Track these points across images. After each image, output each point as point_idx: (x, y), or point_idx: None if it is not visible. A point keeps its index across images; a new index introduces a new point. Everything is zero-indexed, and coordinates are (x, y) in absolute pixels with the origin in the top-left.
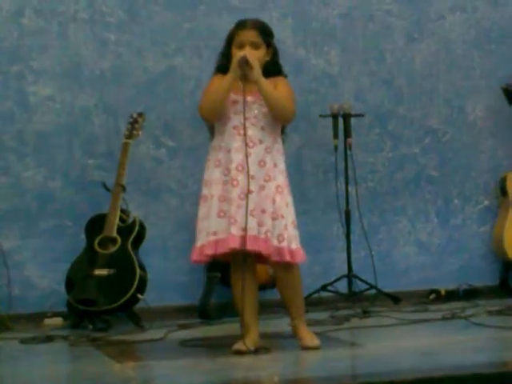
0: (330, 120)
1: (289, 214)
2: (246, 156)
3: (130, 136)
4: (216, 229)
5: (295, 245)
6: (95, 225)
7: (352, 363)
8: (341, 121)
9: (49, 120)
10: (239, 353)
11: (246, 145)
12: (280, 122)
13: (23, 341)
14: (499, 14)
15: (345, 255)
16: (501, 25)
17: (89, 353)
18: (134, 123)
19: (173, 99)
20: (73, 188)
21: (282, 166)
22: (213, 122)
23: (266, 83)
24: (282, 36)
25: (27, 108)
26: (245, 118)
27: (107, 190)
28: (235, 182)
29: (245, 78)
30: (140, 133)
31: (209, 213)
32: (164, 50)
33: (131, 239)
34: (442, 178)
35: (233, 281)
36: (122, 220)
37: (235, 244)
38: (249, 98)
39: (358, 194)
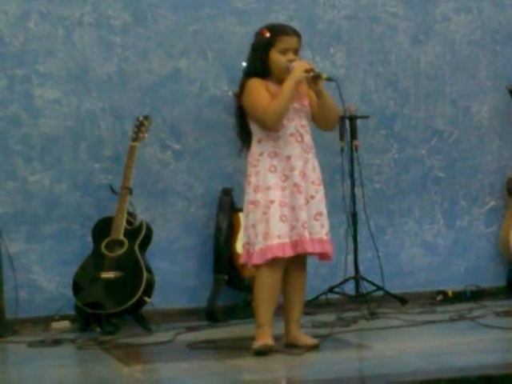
0: None
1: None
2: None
3: (136, 139)
4: (279, 232)
5: None
6: (102, 228)
7: (359, 365)
8: (347, 122)
9: (55, 123)
10: (265, 347)
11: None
12: (328, 129)
13: (31, 344)
14: (505, 15)
15: (352, 257)
16: (506, 26)
17: (97, 356)
18: (140, 126)
19: (178, 102)
20: (79, 191)
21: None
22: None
23: (327, 92)
24: None
25: (33, 111)
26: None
27: (114, 192)
28: (301, 188)
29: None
30: (146, 136)
31: (267, 217)
32: (169, 53)
33: (138, 242)
34: (449, 179)
35: (263, 278)
36: (128, 223)
37: (311, 248)
38: (296, 105)
39: (365, 195)
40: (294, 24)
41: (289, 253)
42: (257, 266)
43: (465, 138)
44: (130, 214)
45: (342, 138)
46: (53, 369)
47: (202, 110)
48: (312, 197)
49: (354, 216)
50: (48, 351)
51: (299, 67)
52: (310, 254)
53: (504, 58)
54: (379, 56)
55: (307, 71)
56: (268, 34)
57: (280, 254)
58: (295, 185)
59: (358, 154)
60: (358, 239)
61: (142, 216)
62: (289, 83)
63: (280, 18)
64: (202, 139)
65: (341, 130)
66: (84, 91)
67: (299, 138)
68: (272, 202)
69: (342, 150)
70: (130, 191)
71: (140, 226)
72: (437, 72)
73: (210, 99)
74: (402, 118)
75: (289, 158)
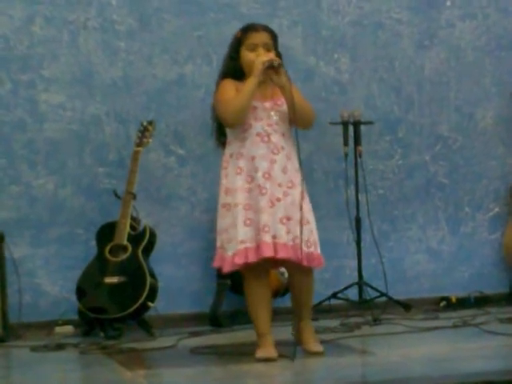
0: (340, 127)
1: (313, 219)
2: (300, 163)
3: (140, 144)
4: (243, 237)
5: (319, 250)
6: (106, 233)
7: (363, 371)
8: (351, 128)
9: (59, 128)
10: (267, 360)
11: (300, 150)
12: (301, 126)
13: (34, 349)
14: (510, 21)
15: (355, 262)
16: (511, 32)
17: (100, 361)
18: (144, 131)
19: (183, 107)
20: (83, 196)
21: (300, 172)
22: (235, 128)
23: (294, 87)
24: (292, 44)
25: (38, 116)
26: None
27: (118, 197)
28: (264, 190)
29: (264, 81)
30: (150, 141)
31: (235, 221)
32: (174, 58)
33: (142, 247)
34: (453, 186)
35: (249, 289)
36: (132, 228)
37: (270, 252)
38: (267, 104)
39: (369, 201)
40: (299, 30)
41: (252, 258)
42: (244, 279)
43: (469, 144)
44: (133, 219)
45: (346, 143)
46: (56, 373)
47: (206, 115)
48: (278, 199)
49: (357, 221)
50: (51, 356)
51: (258, 61)
52: (274, 258)
53: (509, 64)
54: (383, 62)
55: (263, 63)
56: (239, 34)
57: (242, 261)
58: (258, 186)
59: (361, 160)
60: (362, 245)
61: (145, 221)
62: (250, 79)
63: (284, 24)
64: (206, 144)
65: (345, 135)
66: (88, 96)
67: (266, 138)
68: (237, 205)
69: (346, 155)
70: (134, 196)
71: (143, 232)
72: (441, 78)
73: None
74: (406, 123)
75: (253, 158)
